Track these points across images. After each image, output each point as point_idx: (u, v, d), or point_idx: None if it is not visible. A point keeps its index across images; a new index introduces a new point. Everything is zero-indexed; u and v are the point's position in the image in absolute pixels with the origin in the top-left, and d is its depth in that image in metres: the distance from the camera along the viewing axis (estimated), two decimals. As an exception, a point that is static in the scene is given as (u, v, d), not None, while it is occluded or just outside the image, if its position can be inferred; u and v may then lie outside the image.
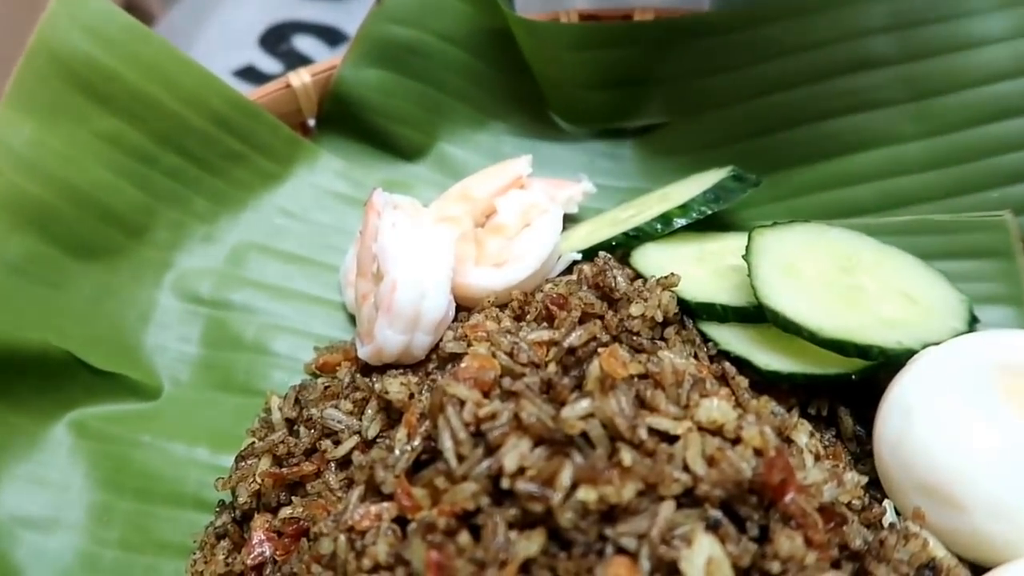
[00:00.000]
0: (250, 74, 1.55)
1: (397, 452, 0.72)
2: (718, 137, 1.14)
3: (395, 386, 0.82)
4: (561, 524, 0.63)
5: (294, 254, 1.08)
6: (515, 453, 0.65)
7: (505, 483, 0.65)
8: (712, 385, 0.77)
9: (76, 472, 0.89)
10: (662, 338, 0.86)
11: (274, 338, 1.02)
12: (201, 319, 1.02)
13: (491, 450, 0.67)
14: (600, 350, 0.73)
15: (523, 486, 0.64)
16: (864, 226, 0.96)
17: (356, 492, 0.73)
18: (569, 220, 1.09)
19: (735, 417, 0.69)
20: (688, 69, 1.14)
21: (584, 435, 0.66)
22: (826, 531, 0.67)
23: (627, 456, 0.65)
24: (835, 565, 0.68)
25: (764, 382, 0.84)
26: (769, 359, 0.84)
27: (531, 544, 0.63)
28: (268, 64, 1.58)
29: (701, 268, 0.94)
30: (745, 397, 0.80)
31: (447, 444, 0.68)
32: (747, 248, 0.88)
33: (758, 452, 0.67)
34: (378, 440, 0.82)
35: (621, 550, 0.63)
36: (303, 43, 1.62)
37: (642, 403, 0.70)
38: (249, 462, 0.87)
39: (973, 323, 0.86)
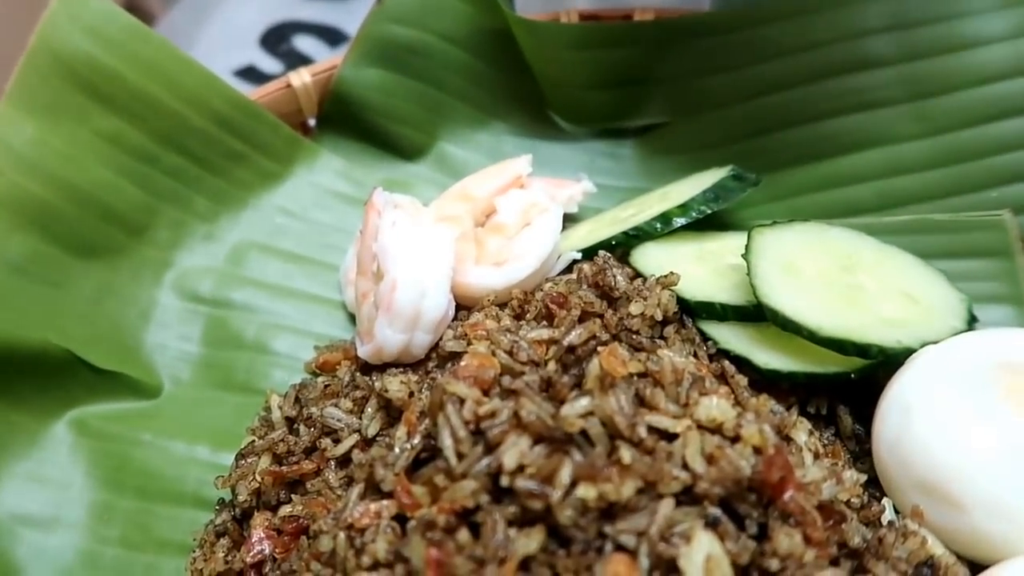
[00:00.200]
0: (251, 74, 1.55)
1: (397, 450, 0.72)
2: (718, 137, 1.14)
3: (395, 385, 0.82)
4: (560, 522, 0.63)
5: (294, 253, 1.08)
6: (514, 451, 0.65)
7: (504, 481, 0.65)
8: (711, 383, 0.77)
9: (76, 470, 0.90)
10: (662, 337, 0.86)
11: (274, 337, 1.02)
12: (201, 318, 1.02)
13: (491, 448, 0.67)
14: (600, 349, 0.73)
15: (522, 484, 0.64)
16: (864, 225, 0.96)
17: (356, 490, 0.74)
18: (569, 220, 1.09)
19: (734, 415, 0.69)
20: (688, 69, 1.14)
21: (583, 433, 0.66)
22: (825, 529, 0.67)
23: (626, 454, 0.65)
24: (834, 563, 0.68)
25: (763, 381, 0.84)
26: (768, 358, 0.84)
27: (530, 542, 0.63)
28: (269, 64, 1.58)
29: (701, 267, 0.94)
30: (744, 395, 0.80)
31: (447, 442, 0.68)
32: (746, 247, 0.88)
33: (757, 450, 0.67)
34: (378, 438, 0.82)
35: (620, 547, 0.63)
36: (304, 43, 1.63)
37: (641, 401, 0.70)
38: (249, 460, 0.88)
39: (972, 322, 0.87)
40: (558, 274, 0.98)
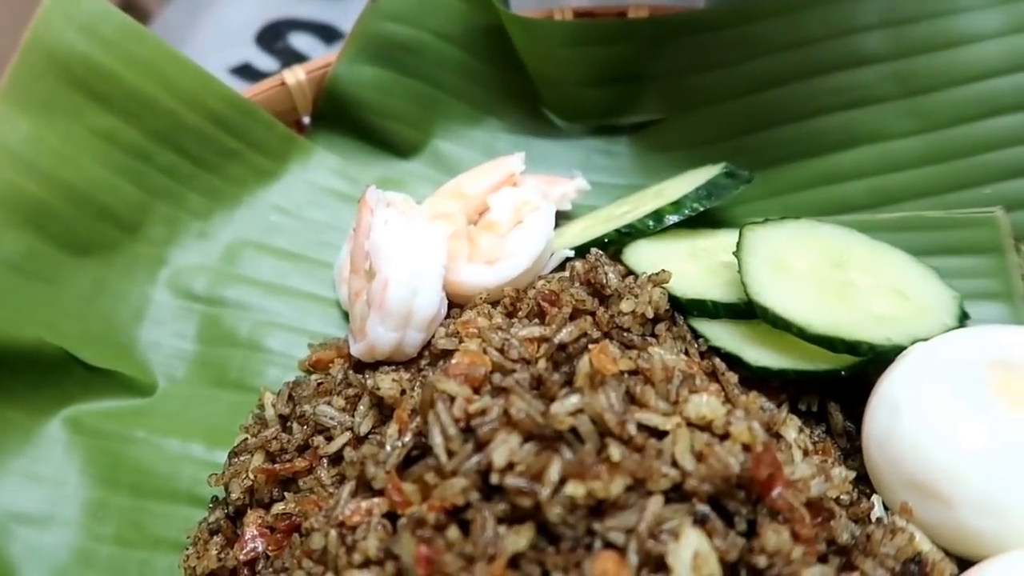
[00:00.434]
0: (246, 72, 1.55)
1: (388, 448, 0.73)
2: (712, 133, 1.14)
3: (387, 383, 0.82)
4: (550, 519, 0.63)
5: (288, 251, 1.08)
6: (504, 448, 0.65)
7: (494, 478, 0.65)
8: (702, 381, 0.77)
9: (71, 468, 0.90)
10: (653, 334, 0.86)
11: (268, 335, 1.03)
12: (196, 315, 1.02)
13: (481, 445, 0.67)
14: (591, 346, 0.74)
15: (512, 481, 0.64)
16: (856, 222, 0.96)
17: (347, 488, 0.74)
18: (564, 217, 1.09)
19: (724, 413, 0.69)
20: (682, 66, 1.14)
21: (573, 430, 0.66)
22: (813, 526, 0.67)
23: (616, 451, 0.65)
24: (822, 559, 0.68)
25: (754, 378, 0.84)
26: (759, 355, 0.84)
27: (520, 539, 0.63)
28: (264, 62, 1.58)
29: (693, 264, 0.94)
30: (735, 393, 0.80)
31: (437, 440, 0.68)
32: (738, 244, 0.88)
33: (746, 447, 0.68)
34: (370, 436, 0.82)
35: (609, 544, 0.63)
36: (299, 41, 1.62)
37: (632, 399, 0.70)
38: (242, 458, 0.88)
39: (964, 319, 0.87)
40: (551, 272, 0.98)
